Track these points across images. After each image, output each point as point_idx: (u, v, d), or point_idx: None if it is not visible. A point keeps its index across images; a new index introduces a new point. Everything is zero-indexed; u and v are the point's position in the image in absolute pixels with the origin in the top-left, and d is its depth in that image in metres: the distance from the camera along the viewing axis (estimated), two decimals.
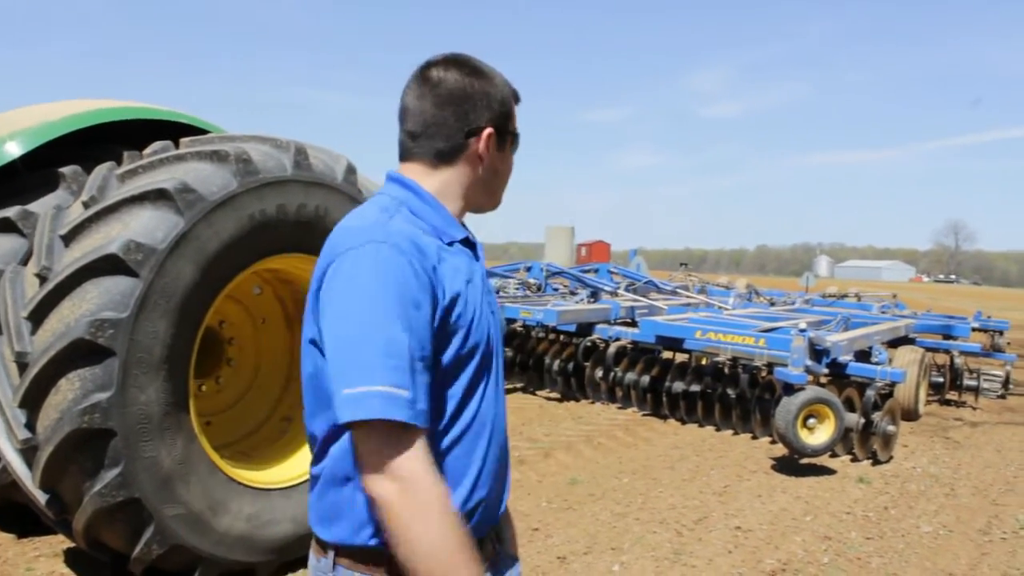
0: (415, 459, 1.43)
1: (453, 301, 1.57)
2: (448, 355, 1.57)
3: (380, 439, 1.42)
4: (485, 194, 1.78)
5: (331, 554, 1.63)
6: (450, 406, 1.60)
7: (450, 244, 1.67)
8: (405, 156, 1.74)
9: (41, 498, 3.67)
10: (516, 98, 1.77)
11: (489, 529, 1.73)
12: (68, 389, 3.47)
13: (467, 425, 1.63)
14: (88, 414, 3.44)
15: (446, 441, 1.60)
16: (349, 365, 1.44)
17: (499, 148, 1.74)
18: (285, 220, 4.04)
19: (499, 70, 1.75)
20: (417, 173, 1.71)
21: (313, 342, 1.58)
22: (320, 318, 1.53)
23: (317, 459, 1.65)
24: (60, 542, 4.56)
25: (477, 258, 1.76)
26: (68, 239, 3.69)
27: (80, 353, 3.45)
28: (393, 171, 1.75)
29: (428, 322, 1.50)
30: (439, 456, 1.58)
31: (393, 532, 1.43)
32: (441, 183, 1.71)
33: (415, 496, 1.41)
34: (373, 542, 1.56)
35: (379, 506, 1.44)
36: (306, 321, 1.62)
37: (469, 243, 1.74)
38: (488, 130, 1.69)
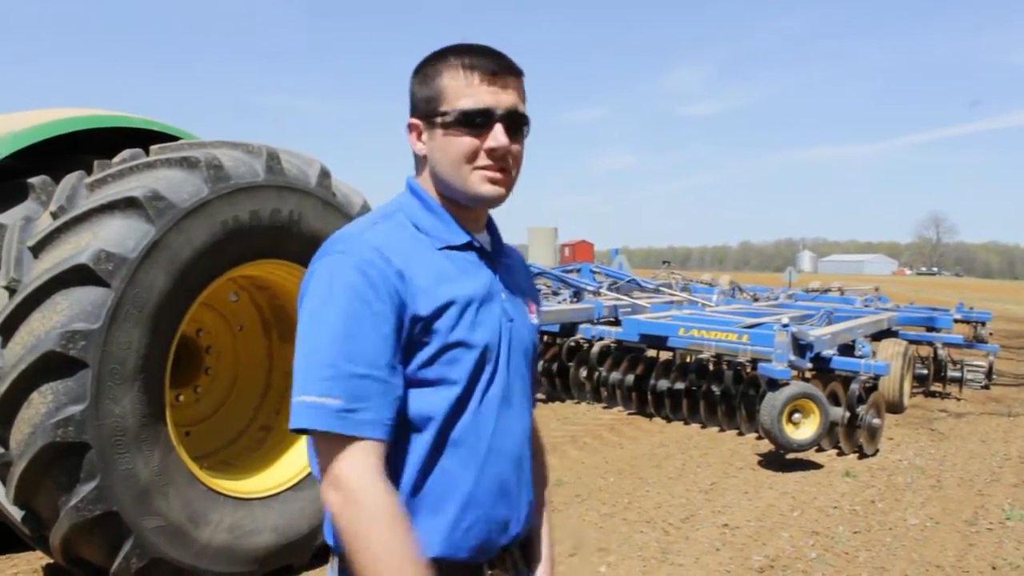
0: (355, 468, 1.40)
1: (424, 308, 1.50)
2: (421, 364, 1.51)
3: (322, 448, 1.44)
4: (447, 189, 1.60)
5: (336, 561, 1.60)
6: (432, 418, 1.52)
7: (444, 248, 1.58)
8: None
9: (16, 514, 3.61)
10: (479, 70, 1.55)
11: (499, 552, 1.65)
12: (40, 403, 3.41)
13: (454, 440, 1.54)
14: (62, 427, 3.38)
15: (428, 454, 1.53)
16: (296, 375, 1.46)
17: (430, 136, 1.57)
18: (259, 226, 4.00)
19: (478, 47, 1.58)
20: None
21: None
22: None
23: None
24: (38, 558, 4.48)
25: (493, 264, 1.66)
26: (37, 250, 3.63)
27: (52, 366, 3.39)
28: (410, 176, 1.69)
29: (387, 331, 1.46)
30: (420, 470, 1.53)
31: (342, 541, 1.42)
32: (426, 185, 1.63)
33: (357, 506, 1.39)
34: None
35: (330, 514, 1.45)
36: None
37: (475, 248, 1.63)
38: (410, 122, 1.61)
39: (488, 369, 1.58)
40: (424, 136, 1.59)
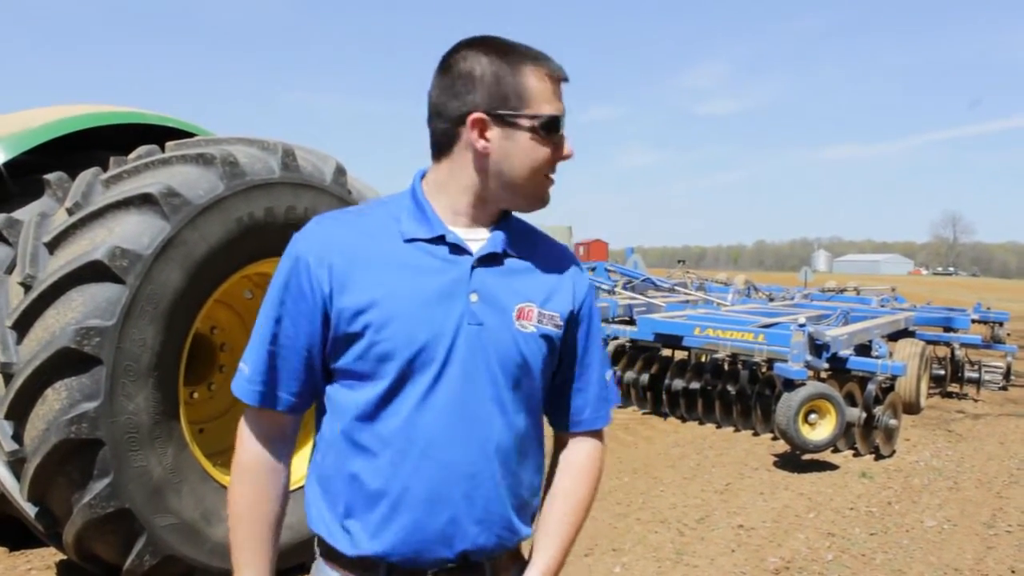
0: (242, 428, 1.63)
1: (353, 300, 1.50)
2: (355, 356, 1.52)
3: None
4: (508, 190, 1.57)
5: (316, 541, 1.67)
6: (364, 413, 1.52)
7: (412, 241, 1.55)
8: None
9: (30, 511, 3.60)
10: (554, 77, 1.55)
11: (445, 566, 1.56)
12: (55, 399, 3.40)
13: (384, 439, 1.51)
14: (75, 424, 3.37)
15: (357, 448, 1.53)
16: None
17: (505, 135, 1.52)
18: (274, 223, 3.98)
19: (537, 49, 1.57)
20: (429, 167, 1.62)
21: None
22: None
23: None
24: (52, 555, 4.49)
25: (475, 263, 1.56)
26: (52, 246, 3.63)
27: (66, 362, 3.39)
28: (420, 169, 1.66)
29: (309, 312, 1.54)
30: (350, 462, 1.54)
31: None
32: (438, 177, 1.59)
33: (236, 463, 1.63)
34: (313, 528, 1.63)
35: None
36: None
37: (448, 243, 1.56)
38: (475, 115, 1.51)
39: (428, 371, 1.50)
40: (491, 133, 1.53)
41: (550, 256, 1.68)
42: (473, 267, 1.55)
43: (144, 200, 3.59)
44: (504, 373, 1.56)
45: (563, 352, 1.68)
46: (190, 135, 4.78)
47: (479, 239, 1.59)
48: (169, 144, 4.14)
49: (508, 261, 1.60)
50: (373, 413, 1.52)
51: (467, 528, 1.54)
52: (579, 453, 1.73)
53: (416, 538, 1.52)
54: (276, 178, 3.98)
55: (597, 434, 1.75)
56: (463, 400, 1.52)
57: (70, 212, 3.74)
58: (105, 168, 4.10)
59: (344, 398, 1.55)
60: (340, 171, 4.33)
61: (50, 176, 4.21)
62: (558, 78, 1.57)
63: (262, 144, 4.12)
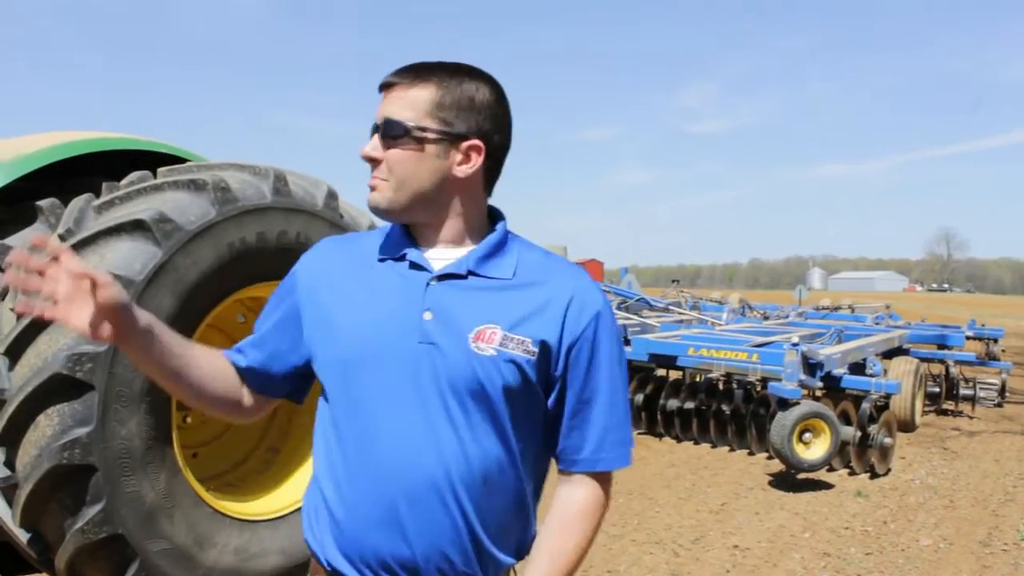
0: None
1: (312, 312, 1.65)
2: (317, 367, 1.66)
3: None
4: None
5: None
6: (320, 424, 1.66)
7: (382, 261, 1.62)
8: None
9: (23, 537, 3.59)
10: (381, 87, 1.61)
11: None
12: (47, 425, 3.40)
13: (330, 455, 1.60)
14: (68, 450, 3.37)
15: (315, 461, 1.65)
16: None
17: None
18: (266, 248, 3.99)
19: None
20: None
21: None
22: None
23: None
24: None
25: (434, 281, 1.54)
26: None
27: (58, 388, 3.38)
28: None
29: (283, 316, 1.70)
30: (313, 474, 1.66)
31: None
32: None
33: None
34: (308, 538, 1.64)
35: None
36: None
37: (408, 261, 1.58)
38: None
39: (374, 386, 1.51)
40: None
41: (541, 279, 1.58)
42: (428, 284, 1.54)
43: (136, 226, 3.60)
44: (455, 396, 1.50)
45: (550, 382, 1.57)
46: (182, 161, 4.79)
47: (450, 258, 1.58)
48: (161, 170, 4.15)
49: (476, 280, 1.55)
50: (324, 425, 1.62)
51: (424, 555, 1.50)
52: (572, 496, 1.61)
53: (362, 560, 1.53)
54: (268, 203, 4.00)
55: (599, 476, 1.61)
56: (415, 421, 1.50)
57: (62, 238, 3.75)
58: (97, 194, 4.11)
59: (322, 405, 1.65)
60: (332, 196, 4.35)
61: (42, 202, 4.22)
62: (382, 86, 1.60)
63: (254, 169, 4.14)
